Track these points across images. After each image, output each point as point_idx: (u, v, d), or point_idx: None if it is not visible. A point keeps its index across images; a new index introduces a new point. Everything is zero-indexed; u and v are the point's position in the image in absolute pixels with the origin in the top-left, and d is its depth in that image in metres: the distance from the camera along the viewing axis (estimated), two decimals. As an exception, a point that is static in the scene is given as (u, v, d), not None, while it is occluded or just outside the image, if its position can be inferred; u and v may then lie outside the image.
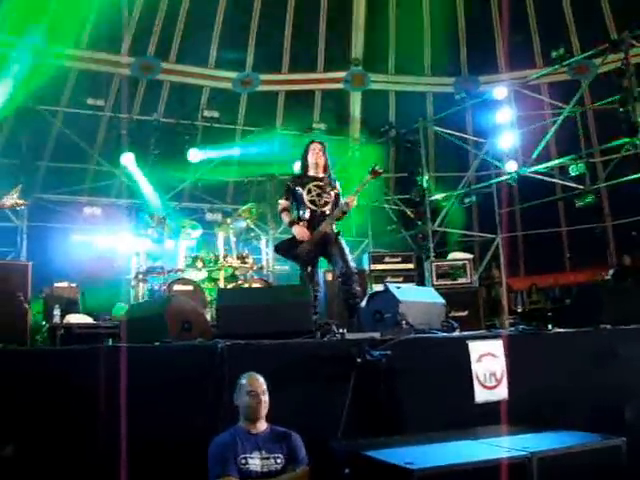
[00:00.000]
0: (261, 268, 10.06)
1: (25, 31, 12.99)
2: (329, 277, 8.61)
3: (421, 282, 10.62)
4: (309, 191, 6.37)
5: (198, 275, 9.43)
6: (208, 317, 7.04)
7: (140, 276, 9.66)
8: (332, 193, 6.43)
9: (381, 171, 6.33)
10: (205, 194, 14.78)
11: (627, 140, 10.16)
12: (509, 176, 12.22)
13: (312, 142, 6.70)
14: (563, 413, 4.65)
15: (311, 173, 6.51)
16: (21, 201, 6.85)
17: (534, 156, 11.76)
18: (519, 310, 13.19)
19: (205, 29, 15.35)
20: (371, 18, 15.80)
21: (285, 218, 6.46)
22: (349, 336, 4.82)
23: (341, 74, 16.10)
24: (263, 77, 15.89)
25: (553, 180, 12.83)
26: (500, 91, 12.22)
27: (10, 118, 13.25)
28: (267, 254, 10.47)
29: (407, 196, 14.10)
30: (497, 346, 4.78)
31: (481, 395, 4.62)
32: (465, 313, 8.85)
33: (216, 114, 14.94)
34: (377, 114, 16.04)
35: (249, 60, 15.86)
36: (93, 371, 3.77)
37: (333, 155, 6.77)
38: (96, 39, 14.36)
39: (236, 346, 4.19)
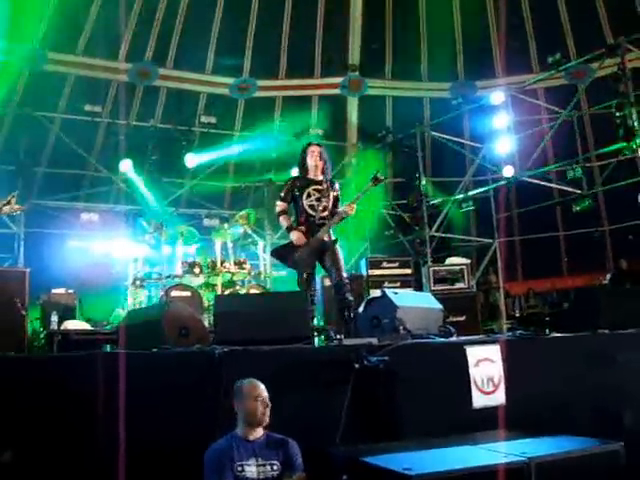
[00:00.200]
0: (259, 274, 10.05)
1: (22, 38, 13.02)
2: (327, 282, 8.61)
3: (419, 287, 10.62)
4: (308, 195, 6.34)
5: (196, 281, 9.43)
6: (206, 323, 7.03)
7: (138, 282, 9.66)
8: (331, 196, 6.41)
9: (382, 178, 6.31)
10: (203, 200, 14.78)
11: (624, 145, 10.18)
12: (506, 181, 12.24)
13: (310, 144, 6.66)
14: (561, 418, 4.64)
15: (310, 176, 6.47)
16: (18, 207, 6.84)
17: (531, 161, 11.77)
18: (517, 315, 13.21)
19: (202, 35, 15.34)
20: (368, 24, 15.82)
21: (283, 222, 6.41)
22: (347, 342, 4.83)
23: (338, 79, 16.12)
24: (260, 83, 15.89)
25: (550, 185, 12.84)
26: (497, 96, 12.26)
27: (7, 124, 13.26)
28: (264, 260, 10.46)
29: (404, 201, 14.12)
30: (495, 351, 4.78)
31: (479, 400, 4.62)
32: (463, 318, 8.87)
33: (213, 120, 14.97)
34: (374, 119, 16.05)
35: (246, 66, 15.85)
36: (91, 377, 3.77)
37: (330, 161, 6.73)
38: (93, 45, 14.37)
39: (233, 352, 4.19)
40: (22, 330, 6.58)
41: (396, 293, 5.55)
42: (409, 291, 9.08)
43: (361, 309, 5.75)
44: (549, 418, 4.61)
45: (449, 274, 9.90)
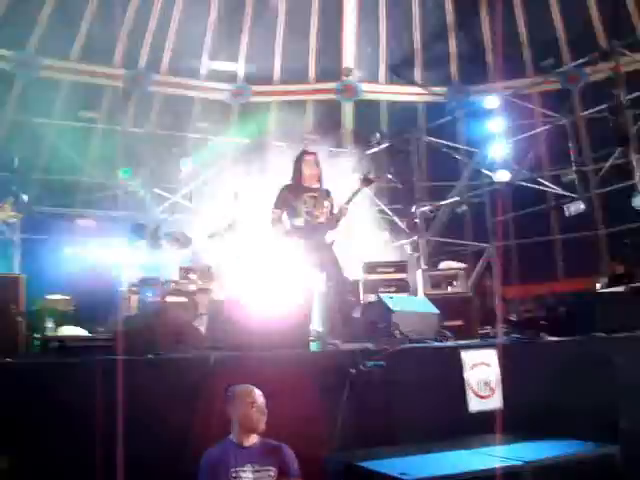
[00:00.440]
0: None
1: (16, 44, 13.02)
2: (323, 287, 8.59)
3: (414, 292, 10.60)
4: (304, 202, 6.35)
5: (191, 286, 9.40)
6: (201, 329, 7.01)
7: (133, 288, 9.62)
8: (326, 204, 6.41)
9: (372, 178, 6.31)
10: (197, 205, 14.73)
11: (618, 149, 10.21)
12: (501, 185, 12.25)
13: (305, 152, 6.65)
14: (557, 422, 4.64)
15: (305, 184, 6.47)
16: (13, 214, 6.83)
17: (526, 165, 11.80)
18: (513, 319, 13.17)
19: (196, 41, 15.37)
20: (362, 28, 15.84)
21: (278, 229, 6.39)
22: (343, 347, 4.82)
23: (333, 84, 16.14)
24: (255, 88, 15.90)
25: (546, 189, 12.85)
26: (492, 100, 12.28)
27: (2, 131, 13.24)
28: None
29: (399, 206, 14.10)
30: (491, 355, 4.78)
31: (475, 404, 4.62)
32: (459, 322, 8.83)
33: (207, 125, 14.95)
34: (369, 124, 16.03)
35: (241, 71, 15.88)
36: (86, 383, 3.76)
37: (324, 165, 6.73)
38: (88, 51, 14.37)
39: (229, 358, 4.18)
40: (17, 336, 6.54)
41: (392, 298, 5.55)
42: (405, 296, 9.07)
43: (357, 314, 5.76)
44: (546, 422, 4.61)
45: (445, 278, 9.88)
